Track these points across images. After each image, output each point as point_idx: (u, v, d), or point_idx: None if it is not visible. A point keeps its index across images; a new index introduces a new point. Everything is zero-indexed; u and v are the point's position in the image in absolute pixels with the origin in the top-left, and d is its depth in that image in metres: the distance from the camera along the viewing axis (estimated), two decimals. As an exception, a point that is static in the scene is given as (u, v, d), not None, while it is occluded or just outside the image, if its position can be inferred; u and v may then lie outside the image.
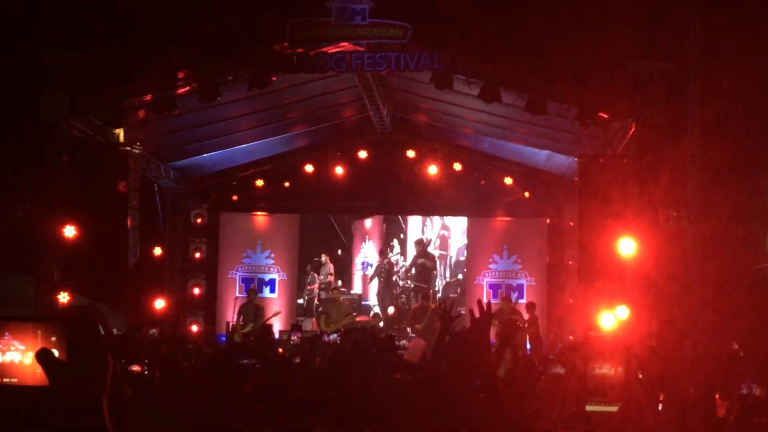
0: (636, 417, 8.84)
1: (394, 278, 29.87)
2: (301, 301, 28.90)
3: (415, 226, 31.44)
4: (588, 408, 10.04)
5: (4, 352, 5.78)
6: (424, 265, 29.28)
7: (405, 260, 30.60)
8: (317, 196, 27.99)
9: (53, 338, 5.60)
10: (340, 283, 30.07)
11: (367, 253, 31.20)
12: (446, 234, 31.30)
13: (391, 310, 28.47)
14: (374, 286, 30.22)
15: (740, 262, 19.62)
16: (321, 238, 30.64)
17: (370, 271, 30.60)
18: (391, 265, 29.74)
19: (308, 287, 29.70)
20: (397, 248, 30.64)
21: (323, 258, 30.10)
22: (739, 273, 19.42)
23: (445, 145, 27.54)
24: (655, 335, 17.86)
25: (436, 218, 31.08)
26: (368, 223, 31.22)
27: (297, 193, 28.06)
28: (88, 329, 3.56)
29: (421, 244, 29.86)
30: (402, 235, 31.09)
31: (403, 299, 29.24)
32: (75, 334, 3.65)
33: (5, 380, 5.81)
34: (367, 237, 31.50)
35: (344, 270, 31.08)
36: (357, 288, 30.95)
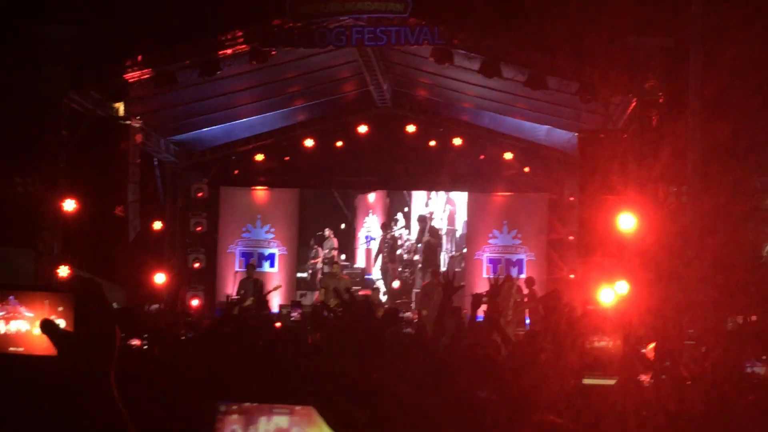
0: (635, 391, 8.86)
1: (398, 252, 29.85)
2: (305, 275, 28.83)
3: (419, 200, 31.36)
4: (585, 381, 10.06)
5: (9, 320, 5.78)
6: (429, 242, 29.26)
7: (409, 234, 30.55)
8: (317, 171, 27.98)
9: (60, 308, 5.62)
10: (343, 257, 30.08)
11: (370, 227, 31.18)
12: (452, 208, 31.24)
13: (396, 284, 28.47)
14: (378, 261, 30.20)
15: (740, 238, 19.66)
16: (324, 212, 30.61)
17: (374, 245, 30.57)
18: (394, 239, 29.69)
19: (312, 261, 29.68)
20: (401, 222, 30.61)
21: (327, 232, 30.07)
22: (739, 248, 19.46)
23: (445, 120, 27.53)
24: (655, 310, 17.90)
25: (441, 192, 31.00)
26: (371, 197, 31.18)
27: (297, 168, 28.05)
28: (96, 300, 3.58)
29: (424, 221, 29.82)
30: (406, 209, 31.03)
31: (407, 273, 29.20)
32: (83, 304, 3.67)
33: (11, 349, 5.81)
34: (370, 211, 31.47)
35: (347, 244, 31.07)
36: (360, 262, 30.93)
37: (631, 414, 7.82)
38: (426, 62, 22.04)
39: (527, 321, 23.77)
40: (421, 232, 29.62)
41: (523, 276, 26.24)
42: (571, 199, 25.88)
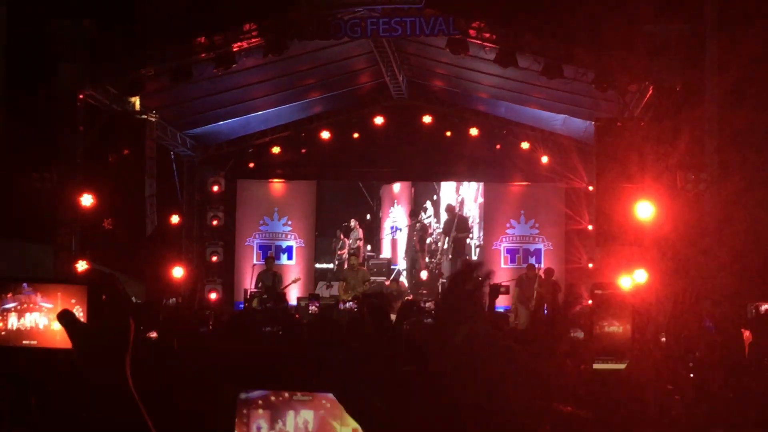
0: (653, 379, 8.83)
1: (427, 241, 29.75)
2: (331, 265, 28.61)
3: (448, 188, 31.01)
4: (596, 366, 10.02)
5: (23, 312, 5.75)
6: (457, 237, 29.11)
7: (438, 222, 30.29)
8: (333, 163, 27.98)
9: (73, 300, 5.58)
10: (369, 247, 30.03)
11: (395, 218, 31.03)
12: (482, 200, 31.07)
13: (424, 274, 28.34)
14: (402, 250, 30.11)
15: (758, 226, 19.57)
16: (349, 203, 30.48)
17: (399, 236, 30.47)
18: (424, 227, 29.56)
19: (338, 252, 29.59)
20: (430, 210, 30.41)
21: (352, 223, 29.97)
22: (757, 236, 19.37)
23: (462, 110, 27.50)
24: (673, 298, 17.83)
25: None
26: (396, 187, 31.02)
27: (313, 160, 28.06)
28: (109, 290, 3.56)
29: (452, 210, 29.61)
30: (435, 197, 30.77)
31: (434, 263, 29.02)
32: (97, 295, 3.65)
33: (24, 342, 5.78)
34: (395, 201, 31.32)
35: (373, 235, 30.96)
36: (386, 252, 30.78)
37: (650, 401, 7.79)
38: (441, 53, 21.99)
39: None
40: (450, 222, 29.49)
41: (541, 266, 26.22)
42: (589, 188, 25.81)
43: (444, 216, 29.59)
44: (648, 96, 20.08)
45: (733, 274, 18.21)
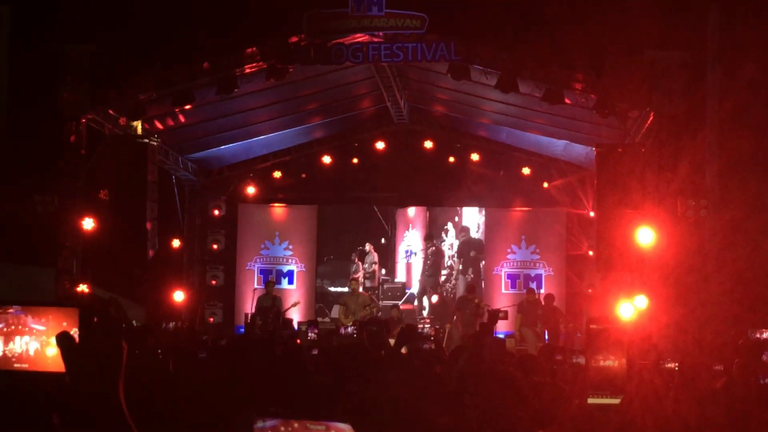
0: (655, 407, 8.82)
1: (448, 262, 29.70)
2: (345, 289, 28.33)
3: (470, 210, 30.62)
4: (590, 401, 10.01)
5: (11, 336, 5.70)
6: (477, 258, 29.06)
7: (452, 249, 30.15)
8: (335, 188, 27.99)
9: (64, 323, 5.57)
10: (383, 271, 30.03)
11: (410, 242, 30.99)
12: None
13: (435, 298, 28.31)
14: (417, 274, 30.07)
15: (759, 252, 19.56)
16: (364, 227, 30.51)
17: (414, 260, 30.45)
18: (439, 252, 29.48)
19: (353, 276, 29.55)
20: (451, 231, 30.26)
21: (367, 247, 29.92)
22: (759, 263, 19.36)
23: (463, 135, 27.54)
24: (674, 325, 17.84)
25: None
26: (411, 211, 31.00)
27: (314, 185, 28.08)
28: (100, 313, 3.57)
29: (467, 232, 29.60)
30: (456, 218, 30.56)
31: (447, 287, 28.95)
32: (88, 317, 3.67)
33: (16, 366, 5.74)
34: (410, 225, 31.29)
35: (387, 258, 30.95)
36: (401, 276, 30.73)
37: (650, 430, 7.79)
38: (443, 78, 22.04)
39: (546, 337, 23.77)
40: (466, 244, 29.45)
41: (541, 291, 26.21)
42: (590, 213, 25.82)
43: (460, 238, 29.54)
44: (649, 122, 20.12)
45: (735, 300, 18.20)
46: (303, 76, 22.27)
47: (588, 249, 26.25)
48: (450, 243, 29.87)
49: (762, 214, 19.88)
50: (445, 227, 30.15)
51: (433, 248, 29.25)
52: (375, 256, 29.79)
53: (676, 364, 14.36)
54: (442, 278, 29.44)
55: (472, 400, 7.37)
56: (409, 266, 30.76)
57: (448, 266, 29.81)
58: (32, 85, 21.58)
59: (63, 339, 3.73)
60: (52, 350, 4.96)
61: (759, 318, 17.57)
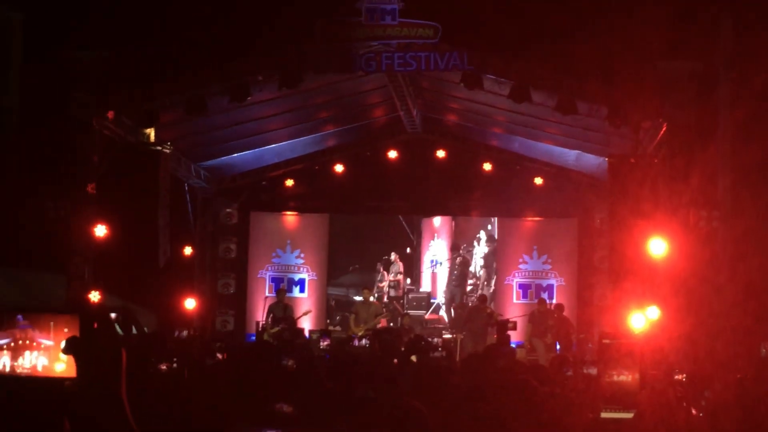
0: (667, 419, 8.80)
1: (476, 271, 29.63)
2: (372, 299, 28.24)
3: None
4: (603, 415, 9.99)
5: (20, 351, 5.68)
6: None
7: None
8: (347, 196, 28.01)
9: (66, 329, 5.56)
10: (408, 281, 30.03)
11: (435, 251, 31.00)
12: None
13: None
14: (442, 283, 30.03)
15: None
16: (390, 236, 30.55)
17: (439, 269, 30.45)
18: (465, 261, 29.37)
19: (378, 285, 29.55)
20: (483, 238, 30.13)
21: (393, 256, 29.93)
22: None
23: (475, 145, 27.53)
24: (686, 336, 17.80)
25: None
26: (437, 221, 30.99)
27: (327, 193, 28.10)
28: (100, 320, 3.59)
29: (493, 241, 29.59)
30: (489, 226, 30.43)
31: (474, 298, 28.86)
32: (88, 324, 3.69)
33: (19, 371, 5.76)
34: (435, 235, 31.29)
35: (413, 268, 30.96)
36: (426, 286, 30.71)
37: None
38: (456, 87, 22.03)
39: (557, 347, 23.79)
40: (491, 255, 29.41)
41: (553, 301, 26.20)
42: (602, 223, 25.79)
43: (489, 247, 29.47)
44: (661, 133, 20.09)
45: (747, 312, 18.14)
46: (316, 84, 22.27)
47: (600, 259, 26.21)
48: (483, 252, 29.79)
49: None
50: (478, 236, 30.08)
51: (460, 258, 29.18)
52: (400, 266, 29.80)
53: (684, 375, 14.36)
54: (469, 288, 29.36)
55: (485, 408, 7.36)
56: (434, 276, 30.77)
57: (474, 276, 29.77)
58: (45, 92, 21.62)
59: (72, 343, 3.75)
60: (61, 365, 4.94)
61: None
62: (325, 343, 23.71)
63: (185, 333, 22.31)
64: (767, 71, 18.56)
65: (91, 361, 3.43)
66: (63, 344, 3.98)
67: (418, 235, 31.60)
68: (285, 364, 13.23)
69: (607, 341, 13.52)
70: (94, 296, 20.14)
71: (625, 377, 10.76)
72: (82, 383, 3.46)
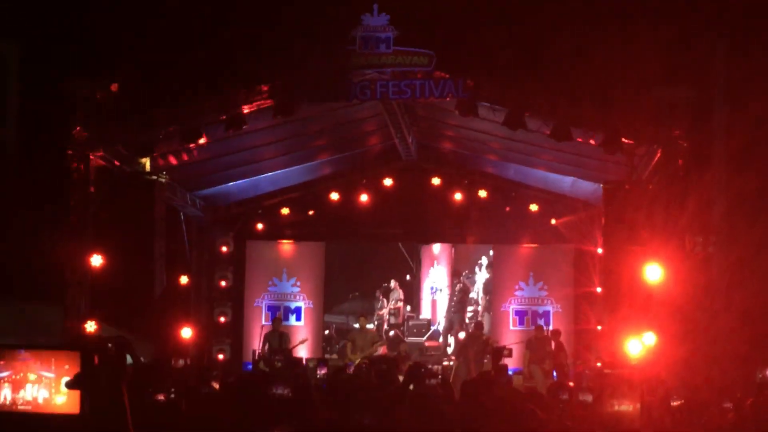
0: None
1: (478, 297, 29.54)
2: (370, 326, 28.16)
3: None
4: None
5: (21, 384, 5.68)
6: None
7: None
8: (343, 224, 27.99)
9: (66, 366, 5.53)
10: (408, 308, 29.97)
11: (435, 278, 30.92)
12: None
13: (461, 335, 27.81)
14: (442, 310, 29.96)
15: (766, 290, 19.54)
16: (390, 263, 30.49)
17: (439, 296, 30.37)
18: (465, 288, 29.31)
19: (378, 313, 29.47)
20: (485, 263, 29.96)
21: (392, 283, 29.85)
22: (766, 300, 19.34)
23: (471, 172, 27.54)
24: (683, 362, 17.80)
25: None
26: (436, 248, 30.92)
27: (322, 221, 28.09)
28: (100, 354, 3.60)
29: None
30: (491, 252, 30.26)
31: (473, 323, 28.73)
32: (89, 359, 3.69)
33: (20, 407, 5.75)
34: (435, 262, 31.21)
35: (412, 295, 30.90)
36: (426, 313, 30.60)
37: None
38: (451, 115, 22.09)
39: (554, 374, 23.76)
40: (490, 281, 29.32)
41: (549, 328, 26.17)
42: (598, 250, 25.79)
43: (488, 274, 29.38)
44: (656, 159, 20.13)
45: (743, 339, 18.16)
46: (311, 113, 22.32)
47: (596, 286, 26.21)
48: (484, 278, 29.73)
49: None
50: (480, 261, 29.97)
51: (460, 285, 29.15)
52: (400, 293, 29.75)
53: (681, 402, 14.34)
54: (469, 314, 29.29)
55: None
56: (434, 303, 30.69)
57: (475, 302, 29.70)
58: (41, 122, 21.66)
59: (78, 379, 3.75)
60: (61, 398, 4.91)
61: (766, 356, 17.54)
62: (322, 371, 23.65)
63: (182, 362, 22.24)
64: (762, 99, 18.63)
65: (96, 396, 3.44)
66: (66, 380, 3.99)
67: (418, 261, 31.54)
68: (280, 393, 13.20)
69: (608, 371, 13.49)
70: (90, 326, 20.12)
71: (626, 407, 10.74)
72: (89, 419, 3.47)
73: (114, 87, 20.31)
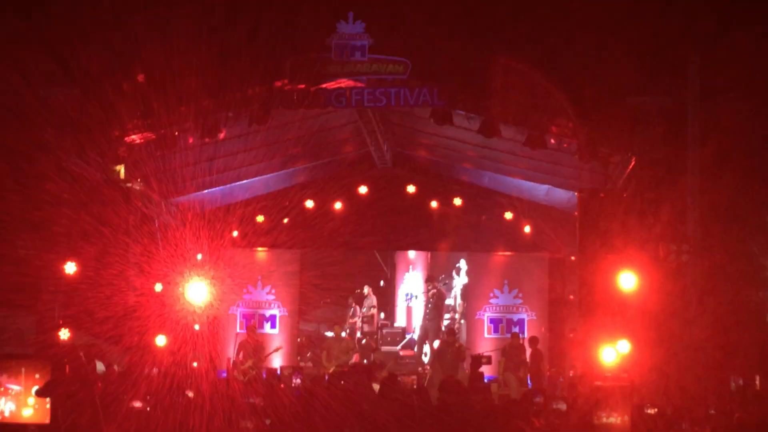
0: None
1: (456, 303, 29.37)
2: (343, 334, 28.03)
3: None
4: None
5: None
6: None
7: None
8: (317, 232, 27.94)
9: (37, 375, 5.49)
10: (383, 315, 29.83)
11: (410, 284, 30.70)
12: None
13: (436, 344, 27.53)
14: (418, 318, 29.78)
15: (740, 298, 19.64)
16: (364, 269, 30.35)
17: (415, 303, 30.16)
18: (440, 294, 29.04)
19: (350, 320, 29.24)
20: (464, 269, 29.67)
21: (366, 290, 29.60)
22: (740, 308, 19.43)
23: (445, 180, 27.57)
24: (657, 369, 17.85)
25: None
26: (412, 253, 30.79)
27: (297, 229, 28.03)
28: (71, 362, 3.59)
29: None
30: (462, 260, 29.91)
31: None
32: (60, 369, 3.68)
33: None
34: (411, 267, 31.05)
35: (387, 302, 30.75)
36: (401, 320, 30.38)
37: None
38: (426, 123, 22.12)
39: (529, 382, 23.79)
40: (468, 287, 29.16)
41: (524, 336, 26.20)
42: (572, 258, 25.85)
43: (467, 279, 29.24)
44: (630, 167, 20.20)
45: (716, 346, 18.23)
46: (286, 120, 22.31)
47: (570, 293, 26.27)
48: (462, 283, 29.63)
49: (743, 259, 19.97)
50: (458, 265, 29.75)
51: (434, 290, 28.88)
52: (374, 300, 29.54)
53: (656, 410, 14.41)
54: (446, 322, 29.10)
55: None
56: (409, 310, 30.49)
57: (453, 309, 29.52)
58: (15, 128, 21.54)
59: (48, 387, 3.73)
60: (28, 411, 4.87)
61: (739, 364, 17.62)
62: (297, 380, 23.59)
63: (155, 371, 22.16)
64: (735, 108, 18.73)
65: (67, 405, 3.41)
66: (36, 389, 3.94)
67: (392, 267, 31.43)
68: (252, 402, 13.15)
69: (599, 383, 13.48)
70: (64, 334, 20.03)
71: (615, 419, 10.77)
72: (59, 427, 3.43)
73: (87, 94, 20.24)
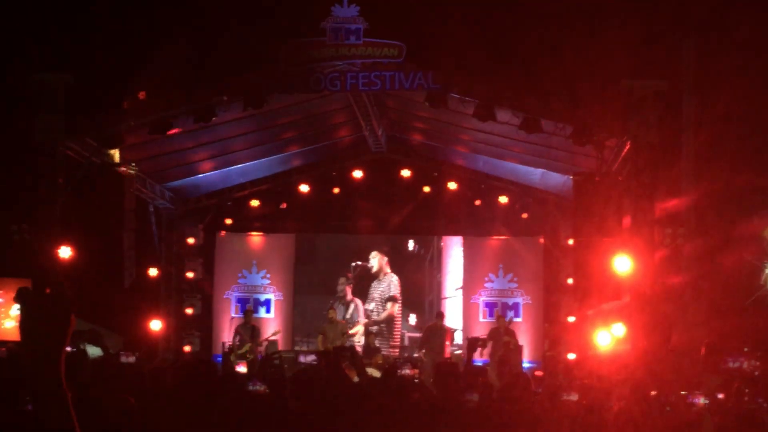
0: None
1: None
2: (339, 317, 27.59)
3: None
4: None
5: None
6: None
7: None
8: (312, 216, 27.93)
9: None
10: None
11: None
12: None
13: (412, 319, 27.66)
14: None
15: (734, 281, 19.66)
16: (358, 255, 30.18)
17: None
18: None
19: (339, 295, 29.02)
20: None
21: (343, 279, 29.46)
22: (734, 292, 19.46)
23: (440, 164, 27.55)
24: (652, 353, 17.87)
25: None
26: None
27: (292, 213, 28.01)
28: (53, 287, 3.59)
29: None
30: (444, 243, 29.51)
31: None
32: (40, 287, 3.68)
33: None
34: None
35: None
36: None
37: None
38: (421, 106, 22.08)
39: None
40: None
41: (518, 319, 26.22)
42: (568, 242, 25.85)
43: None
44: (626, 151, 20.19)
45: (711, 329, 18.26)
46: (281, 104, 22.27)
47: (565, 277, 26.28)
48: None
49: (738, 243, 19.99)
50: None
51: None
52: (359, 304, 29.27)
53: (653, 393, 14.38)
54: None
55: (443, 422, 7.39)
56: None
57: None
58: (8, 113, 21.51)
59: (23, 293, 3.75)
60: (11, 323, 4.87)
61: (735, 347, 17.64)
62: (310, 358, 23.46)
63: (132, 359, 21.97)
64: (730, 92, 18.73)
65: (35, 323, 3.44)
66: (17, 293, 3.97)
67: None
68: (254, 390, 13.04)
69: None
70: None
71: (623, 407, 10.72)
72: (24, 340, 3.46)
73: (83, 78, 20.20)
